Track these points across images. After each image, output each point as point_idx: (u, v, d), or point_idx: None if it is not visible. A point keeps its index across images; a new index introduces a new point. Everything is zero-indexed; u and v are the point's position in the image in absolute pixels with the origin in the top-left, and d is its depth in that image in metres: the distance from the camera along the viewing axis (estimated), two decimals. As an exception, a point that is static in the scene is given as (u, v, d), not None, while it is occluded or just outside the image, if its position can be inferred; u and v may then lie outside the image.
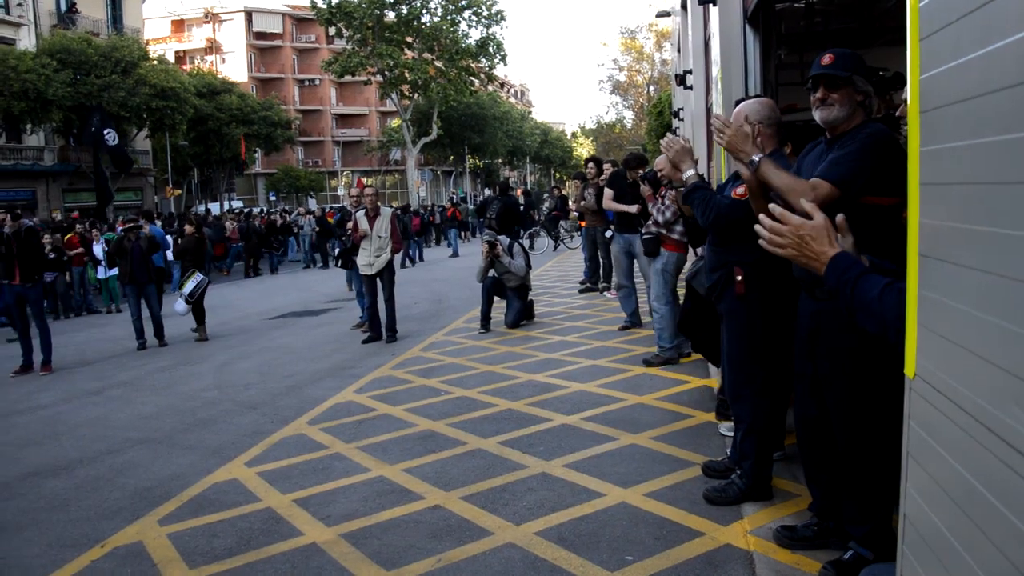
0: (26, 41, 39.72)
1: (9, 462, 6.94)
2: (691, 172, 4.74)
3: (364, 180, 51.07)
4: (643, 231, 8.60)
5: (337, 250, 12.16)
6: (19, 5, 40.72)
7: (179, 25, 75.67)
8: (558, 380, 8.17)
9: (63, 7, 43.47)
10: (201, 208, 45.46)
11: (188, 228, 13.90)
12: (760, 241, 2.42)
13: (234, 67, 69.78)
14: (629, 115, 74.94)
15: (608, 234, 10.42)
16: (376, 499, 5.31)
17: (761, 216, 2.42)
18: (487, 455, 6.01)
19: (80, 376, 10.72)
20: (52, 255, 15.17)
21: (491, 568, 4.23)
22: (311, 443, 6.70)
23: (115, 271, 17.84)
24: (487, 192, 75.57)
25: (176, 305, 12.84)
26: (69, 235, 18.57)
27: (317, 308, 15.80)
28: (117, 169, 36.79)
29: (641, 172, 9.47)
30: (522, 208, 24.97)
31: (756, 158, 3.58)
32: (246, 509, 5.32)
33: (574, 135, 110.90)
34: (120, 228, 16.59)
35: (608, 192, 10.13)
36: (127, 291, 12.90)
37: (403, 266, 25.58)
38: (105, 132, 19.96)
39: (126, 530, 5.15)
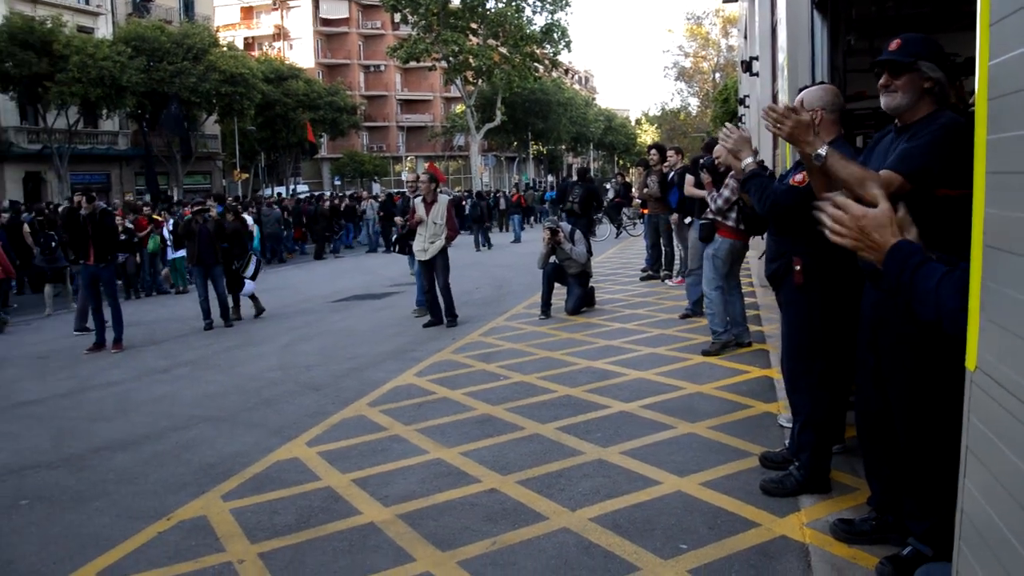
0: (104, 30, 40.76)
1: (82, 436, 7.17)
2: (749, 160, 4.68)
3: (437, 165, 51.42)
4: (700, 217, 8.56)
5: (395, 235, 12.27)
6: (98, -6, 41.77)
7: (248, 12, 76.81)
8: (617, 367, 8.16)
9: (138, -4, 44.48)
10: (268, 191, 46.15)
11: (229, 216, 14.09)
12: (824, 229, 2.39)
13: (301, 53, 70.60)
14: (694, 102, 74.20)
15: (688, 220, 10.34)
16: (433, 481, 5.37)
17: (822, 205, 2.38)
18: (544, 440, 6.04)
19: (149, 354, 11.00)
20: (124, 236, 15.56)
21: (545, 552, 4.26)
22: (371, 424, 6.80)
23: (182, 252, 18.30)
24: (550, 178, 75.51)
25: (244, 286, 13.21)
26: (138, 216, 18.99)
27: (379, 292, 15.98)
28: (184, 153, 37.56)
29: (700, 160, 9.39)
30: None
31: (823, 152, 3.47)
32: (306, 487, 5.43)
33: (638, 122, 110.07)
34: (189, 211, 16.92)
35: (689, 179, 10.03)
36: (194, 272, 13.22)
37: (477, 249, 25.84)
38: (177, 119, 20.51)
39: (191, 504, 5.29)
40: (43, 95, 33.22)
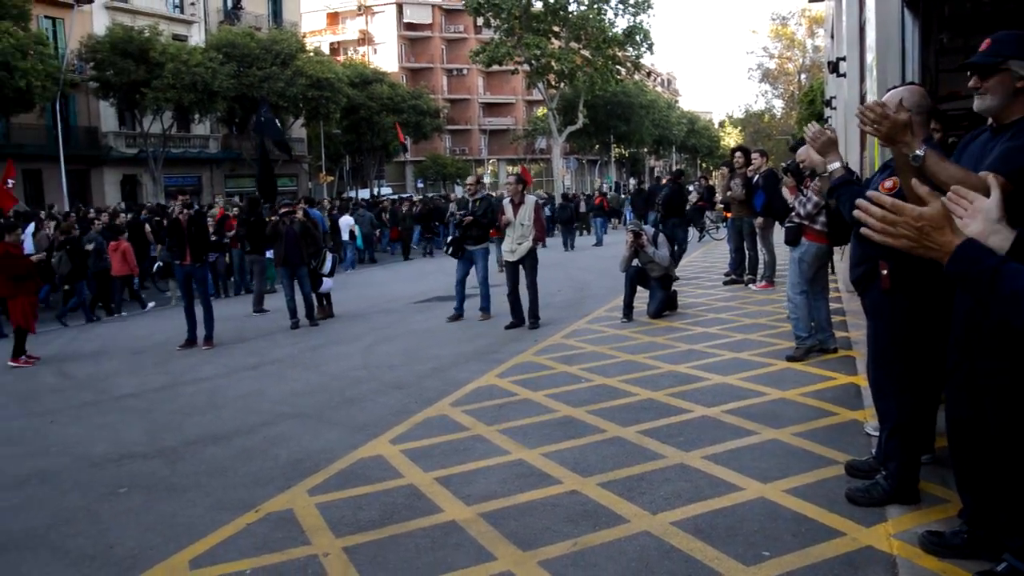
0: (197, 37, 42.06)
1: (176, 429, 7.44)
2: (837, 164, 4.60)
3: (528, 168, 51.62)
4: (785, 220, 8.43)
5: (450, 238, 12.35)
6: (192, 4, 43.11)
7: (334, 18, 78.27)
8: (699, 371, 8.09)
9: (229, 4, 45.75)
10: (352, 194, 46.96)
11: (299, 215, 14.33)
12: (863, 230, 2.30)
13: (385, 57, 71.68)
14: (779, 104, 72.94)
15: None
16: (515, 481, 5.42)
17: (862, 204, 2.29)
18: (626, 443, 6.03)
19: (238, 352, 11.32)
20: (215, 237, 16.07)
21: (626, 555, 4.26)
22: (453, 424, 6.89)
23: (269, 253, 18.74)
24: (632, 181, 75.05)
25: (324, 283, 13.48)
26: (228, 218, 19.53)
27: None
28: (277, 157, 38.39)
29: (783, 163, 9.24)
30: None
31: (920, 152, 3.39)
32: (390, 484, 5.53)
33: (721, 124, 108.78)
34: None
35: (789, 181, 9.89)
36: (281, 273, 13.55)
37: (566, 249, 26.23)
38: (272, 122, 21.16)
39: (278, 497, 5.44)
40: (140, 101, 34.49)
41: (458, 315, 12.43)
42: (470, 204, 12.44)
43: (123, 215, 20.73)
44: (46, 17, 36.16)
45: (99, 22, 37.27)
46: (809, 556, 4.09)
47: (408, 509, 5.08)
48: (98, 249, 16.14)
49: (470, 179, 13.00)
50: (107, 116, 38.94)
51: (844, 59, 13.05)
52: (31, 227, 18.57)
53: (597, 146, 72.72)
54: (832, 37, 18.90)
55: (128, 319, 16.04)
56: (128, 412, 8.25)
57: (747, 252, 13.75)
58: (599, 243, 28.42)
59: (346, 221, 25.53)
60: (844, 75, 13.18)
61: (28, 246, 17.16)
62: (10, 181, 21.50)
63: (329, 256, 13.72)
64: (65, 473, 6.35)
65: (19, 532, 5.19)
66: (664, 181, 19.29)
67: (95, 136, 38.87)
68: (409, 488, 5.43)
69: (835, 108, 17.57)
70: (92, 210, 24.29)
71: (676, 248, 15.26)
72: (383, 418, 7.24)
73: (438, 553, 4.44)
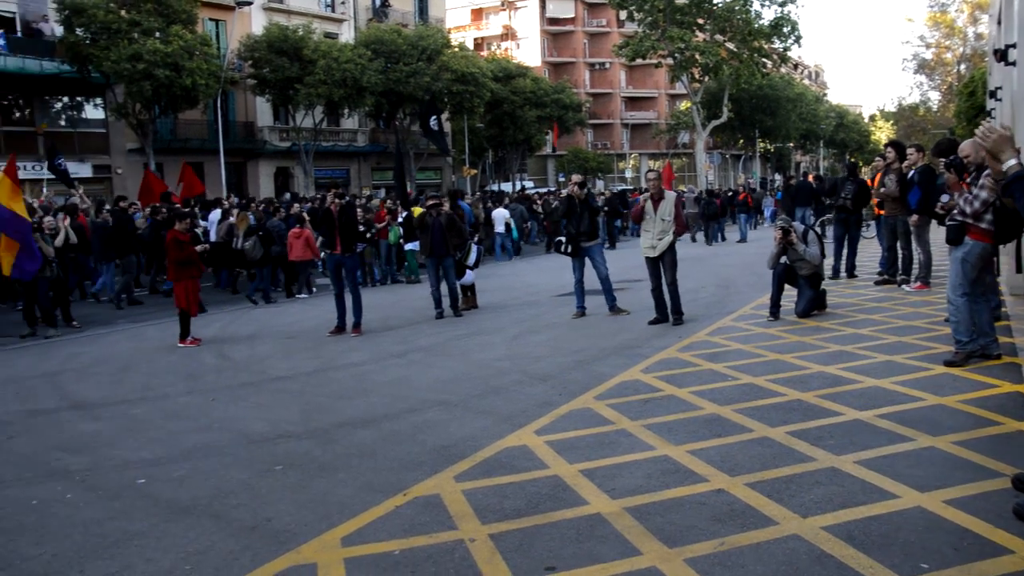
0: (347, 35, 43.54)
1: (327, 411, 7.72)
2: (1012, 162, 4.36)
3: (660, 163, 51.14)
4: (947, 218, 8.03)
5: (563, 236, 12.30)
6: (342, 3, 44.57)
7: (478, 14, 79.36)
8: (850, 373, 7.82)
9: (378, 2, 47.08)
10: (494, 187, 47.55)
11: (445, 207, 14.54)
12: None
13: (528, 52, 72.20)
14: (935, 96, 69.38)
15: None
16: (660, 477, 5.38)
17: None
18: (774, 444, 5.90)
19: (385, 340, 11.64)
20: (363, 228, 16.61)
21: (775, 558, 4.17)
22: (598, 417, 6.89)
23: (415, 244, 19.22)
24: (777, 177, 73.12)
25: (466, 275, 13.71)
26: (378, 209, 20.13)
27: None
28: (442, 152, 39.21)
29: (944, 160, 8.79)
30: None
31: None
32: (535, 475, 5.58)
33: (872, 118, 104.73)
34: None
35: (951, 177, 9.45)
36: (427, 264, 13.85)
37: (709, 244, 26.35)
38: (432, 119, 21.76)
39: (425, 482, 5.57)
40: (293, 97, 35.90)
41: (581, 312, 12.39)
42: (575, 202, 12.33)
43: (297, 205, 21.64)
44: (210, 19, 38.17)
45: (257, 22, 39.01)
46: (971, 572, 3.89)
47: (553, 500, 5.12)
48: (280, 235, 17.05)
49: (576, 177, 12.96)
50: (263, 111, 40.74)
51: (1014, 46, 12.30)
52: (217, 214, 19.84)
53: (741, 141, 71.16)
54: (999, 23, 17.82)
55: (281, 305, 16.72)
56: (282, 394, 8.61)
57: (901, 251, 13.19)
58: (743, 239, 27.84)
59: (501, 214, 25.98)
60: (1014, 63, 12.42)
61: (213, 233, 18.46)
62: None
63: (474, 248, 13.95)
64: (226, 449, 6.69)
65: (186, 500, 5.50)
66: (839, 175, 18.73)
67: (252, 130, 40.76)
68: (554, 479, 5.47)
69: (1000, 100, 16.58)
70: (273, 200, 25.54)
71: (848, 248, 14.73)
72: (528, 409, 7.31)
73: (583, 545, 4.46)
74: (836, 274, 14.71)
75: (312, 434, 6.97)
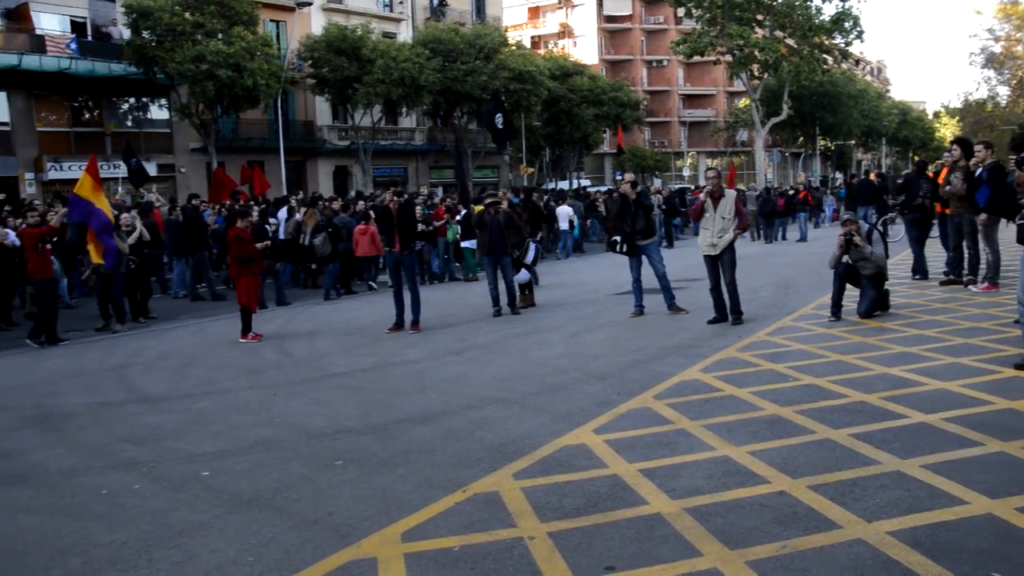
0: (405, 34, 43.90)
1: (386, 408, 7.79)
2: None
3: (721, 161, 50.69)
4: (1018, 217, 7.82)
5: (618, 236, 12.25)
6: (400, 2, 44.94)
7: (535, 12, 79.39)
8: (915, 375, 7.65)
9: (435, 1, 47.37)
10: (550, 185, 47.52)
11: (504, 205, 14.60)
12: None
13: (585, 50, 72.01)
14: (1003, 91, 67.45)
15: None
16: (721, 478, 5.32)
17: None
18: (836, 446, 5.80)
19: (443, 337, 11.70)
20: (422, 226, 16.76)
21: (839, 562, 4.10)
22: (657, 417, 6.84)
23: (472, 242, 19.31)
24: (838, 175, 71.97)
25: (520, 273, 13.70)
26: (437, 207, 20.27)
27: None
28: (498, 149, 39.33)
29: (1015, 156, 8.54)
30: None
31: None
32: (593, 473, 5.56)
33: (936, 115, 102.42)
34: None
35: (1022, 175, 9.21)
36: (485, 262, 13.89)
37: (767, 242, 26.44)
38: (496, 116, 21.92)
39: (484, 479, 5.59)
40: (352, 96, 36.24)
41: (639, 311, 12.30)
42: (626, 200, 12.27)
43: (361, 202, 21.93)
44: (271, 20, 38.76)
45: (317, 23, 39.47)
46: (1047, 581, 3.79)
47: (612, 499, 5.09)
48: (348, 231, 17.34)
49: (628, 176, 12.86)
50: (322, 111, 41.25)
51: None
52: (284, 211, 20.26)
53: (801, 138, 70.11)
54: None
55: (341, 301, 16.92)
56: (342, 389, 8.71)
57: (967, 251, 12.87)
58: (803, 238, 27.44)
59: (564, 211, 26.09)
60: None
61: (281, 230, 18.93)
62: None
63: (532, 246, 13.96)
64: (287, 443, 6.78)
65: (249, 493, 5.59)
66: (901, 173, 18.38)
67: (311, 129, 41.27)
68: (613, 478, 5.44)
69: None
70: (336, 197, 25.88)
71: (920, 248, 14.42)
72: (586, 407, 7.28)
73: (643, 545, 4.43)
74: (924, 274, 14.31)
75: (371, 430, 7.03)
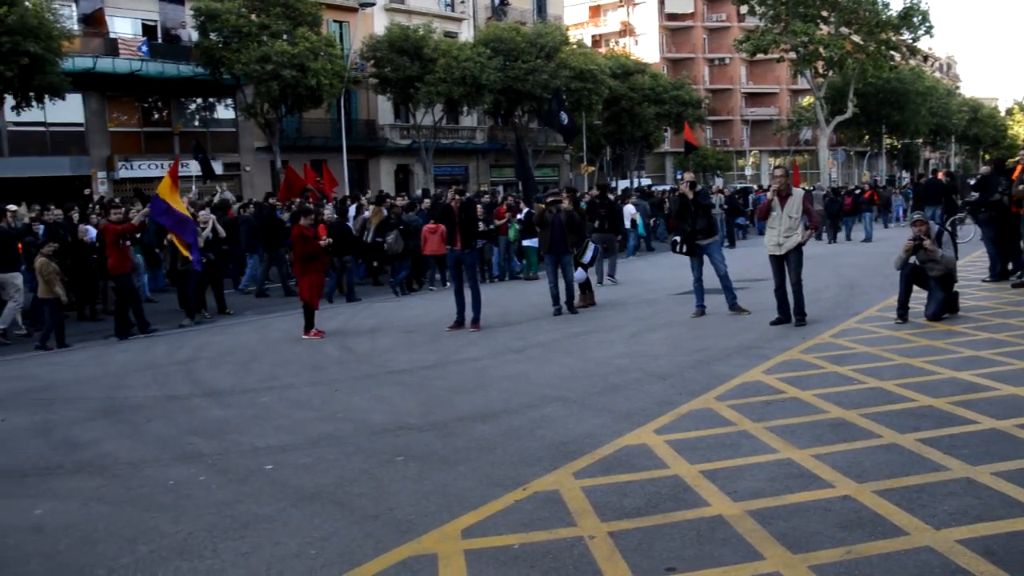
0: (466, 34, 44.14)
1: (446, 405, 7.83)
2: None
3: (786, 160, 50.01)
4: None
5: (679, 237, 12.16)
6: (462, 2, 45.17)
7: (595, 10, 79.13)
8: (986, 380, 7.46)
9: (496, 1, 47.50)
10: (611, 184, 47.34)
11: (565, 204, 14.57)
12: None
13: (646, 48, 71.61)
14: (1081, 87, 65.33)
15: None
16: (783, 481, 5.26)
17: None
18: (903, 451, 5.68)
19: (503, 335, 11.73)
20: (481, 225, 16.84)
21: (906, 570, 4.02)
22: (719, 418, 6.78)
23: (534, 241, 19.32)
24: (905, 174, 70.50)
25: (576, 273, 13.69)
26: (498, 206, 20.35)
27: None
28: (566, 143, 39.26)
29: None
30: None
31: None
32: (654, 474, 5.53)
33: (1009, 112, 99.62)
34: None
35: None
36: (546, 260, 13.89)
37: (831, 241, 26.32)
38: (560, 114, 22.02)
39: (544, 478, 5.59)
40: (413, 95, 36.55)
41: (701, 311, 12.19)
42: (685, 200, 12.17)
43: (427, 201, 22.16)
44: (334, 21, 39.28)
45: (379, 23, 39.86)
46: None
47: (673, 500, 5.06)
48: (417, 229, 17.60)
49: (687, 176, 12.74)
50: (384, 110, 41.64)
51: None
52: (353, 208, 20.61)
53: (867, 137, 68.73)
54: None
55: (403, 299, 17.06)
56: (403, 386, 8.77)
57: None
58: (868, 239, 26.93)
59: (629, 209, 26.00)
60: None
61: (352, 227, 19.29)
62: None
63: (591, 246, 13.94)
64: (349, 438, 6.86)
65: (311, 487, 5.67)
66: (971, 172, 17.92)
67: (373, 128, 41.70)
68: (674, 479, 5.41)
69: None
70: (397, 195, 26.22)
71: (997, 248, 13.99)
72: (647, 407, 7.24)
73: (704, 547, 4.40)
74: (1002, 276, 13.88)
75: (432, 426, 7.08)
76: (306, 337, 12.16)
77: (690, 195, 12.03)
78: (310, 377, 9.54)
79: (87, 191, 27.53)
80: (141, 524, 5.17)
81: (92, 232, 15.38)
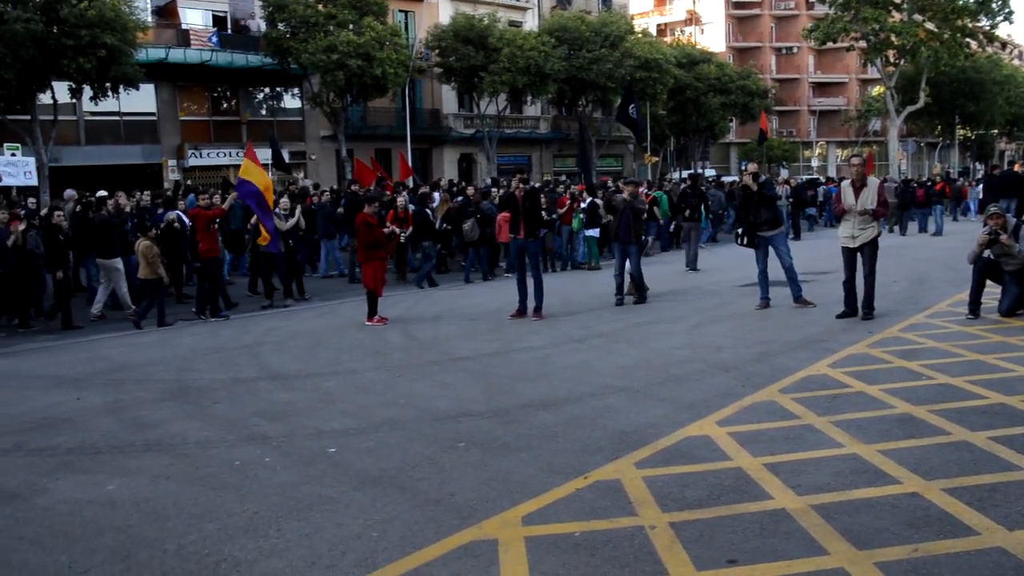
0: (530, 23, 44.07)
1: (509, 393, 7.86)
2: None
3: (860, 152, 49.01)
4: None
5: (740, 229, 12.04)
6: (526, -9, 45.08)
7: (661, -1, 78.27)
8: (1063, 378, 7.26)
9: (561, -11, 47.32)
10: (675, 175, 46.92)
11: (625, 195, 14.53)
12: None
13: (712, 37, 70.63)
14: None
15: None
16: (849, 476, 5.18)
17: None
18: (974, 449, 5.56)
19: (565, 324, 11.71)
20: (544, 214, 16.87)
21: (976, 570, 3.95)
22: (782, 411, 6.70)
23: (596, 231, 19.29)
24: (978, 166, 68.58)
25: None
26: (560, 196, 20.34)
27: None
28: (637, 139, 39.06)
29: None
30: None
31: None
32: (716, 465, 5.49)
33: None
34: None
35: None
36: (614, 248, 13.85)
37: (903, 234, 26.04)
38: (630, 107, 21.89)
39: (606, 467, 5.59)
40: (477, 85, 36.59)
41: (765, 304, 12.03)
42: (748, 191, 12.01)
43: (495, 190, 22.33)
44: (400, 11, 39.53)
45: (444, 12, 39.98)
46: None
47: (735, 492, 5.02)
48: (491, 217, 17.87)
49: (750, 167, 12.54)
50: (448, 99, 41.79)
51: None
52: (437, 195, 20.93)
53: (939, 127, 66.91)
54: None
55: (466, 288, 17.14)
56: (465, 373, 8.83)
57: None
58: (939, 232, 26.27)
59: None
60: None
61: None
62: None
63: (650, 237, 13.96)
64: (411, 424, 6.93)
65: (374, 471, 5.75)
66: None
67: (437, 118, 41.90)
68: (737, 471, 5.37)
69: None
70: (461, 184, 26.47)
71: None
72: (709, 399, 7.20)
73: (766, 540, 4.36)
74: None
75: (494, 414, 7.11)
76: (369, 324, 12.29)
77: (754, 186, 11.87)
78: (373, 363, 9.64)
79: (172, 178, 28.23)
80: (208, 502, 5.30)
81: (184, 217, 15.77)
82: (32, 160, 21.08)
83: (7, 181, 19.77)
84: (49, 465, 6.24)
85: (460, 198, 20.52)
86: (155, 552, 4.60)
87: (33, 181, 20.68)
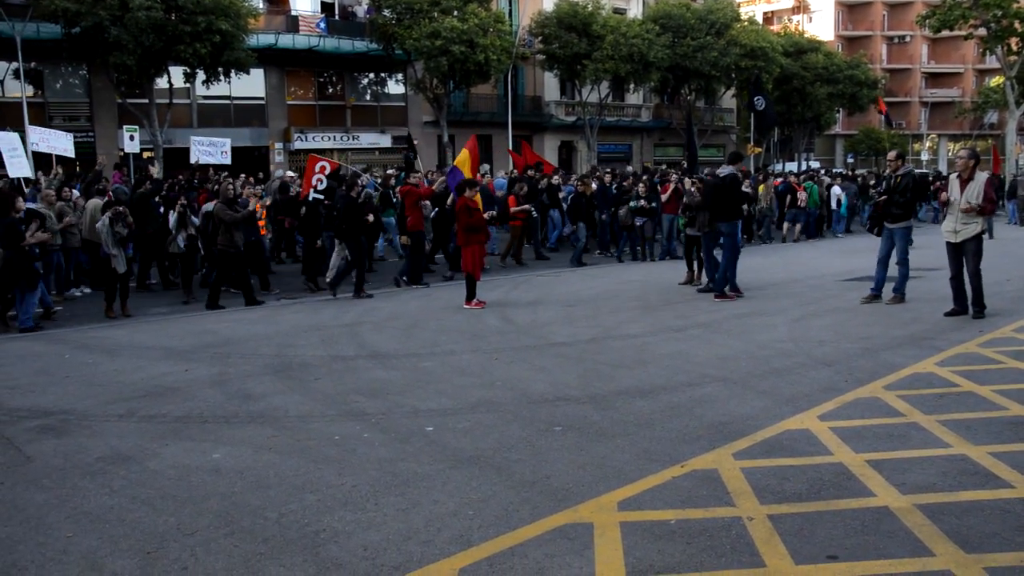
0: (635, 10, 43.70)
1: (606, 379, 7.85)
2: None
3: (970, 145, 47.12)
4: None
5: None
6: (632, -22, 44.60)
7: (768, -13, 76.43)
8: None
9: (669, -24, 46.60)
10: (777, 167, 45.93)
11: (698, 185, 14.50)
12: None
13: (821, 25, 68.66)
14: None
15: None
16: (956, 477, 5.03)
17: None
18: (1094, 455, 5.32)
19: (663, 313, 11.62)
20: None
21: (1092, 580, 3.78)
22: (886, 408, 6.53)
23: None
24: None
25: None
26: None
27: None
28: (760, 130, 38.55)
29: None
30: None
31: None
32: (816, 460, 5.39)
33: None
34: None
35: None
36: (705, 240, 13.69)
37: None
38: (755, 99, 21.59)
39: (703, 456, 5.55)
40: (580, 72, 36.45)
41: (874, 295, 11.71)
42: (891, 180, 11.67)
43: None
44: (504, -3, 39.67)
45: (548, -1, 39.98)
46: None
47: (836, 487, 4.93)
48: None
49: (891, 154, 12.12)
50: (550, 86, 41.74)
51: None
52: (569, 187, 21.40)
53: (1063, 121, 63.74)
54: None
55: (564, 274, 17.15)
56: (562, 358, 8.84)
57: None
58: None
59: (835, 191, 26.61)
60: None
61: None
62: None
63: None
64: (507, 406, 6.99)
65: (470, 451, 5.83)
66: None
67: (539, 105, 41.92)
68: (838, 466, 5.26)
69: None
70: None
71: None
72: (811, 393, 7.06)
73: (868, 537, 4.27)
74: None
75: (591, 399, 7.12)
76: (467, 307, 12.41)
77: (898, 165, 11.63)
78: (470, 345, 9.74)
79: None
80: (308, 474, 5.45)
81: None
82: (228, 141, 22.48)
83: (204, 159, 21.41)
84: (159, 431, 6.52)
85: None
86: (257, 519, 4.76)
87: (228, 160, 21.96)
